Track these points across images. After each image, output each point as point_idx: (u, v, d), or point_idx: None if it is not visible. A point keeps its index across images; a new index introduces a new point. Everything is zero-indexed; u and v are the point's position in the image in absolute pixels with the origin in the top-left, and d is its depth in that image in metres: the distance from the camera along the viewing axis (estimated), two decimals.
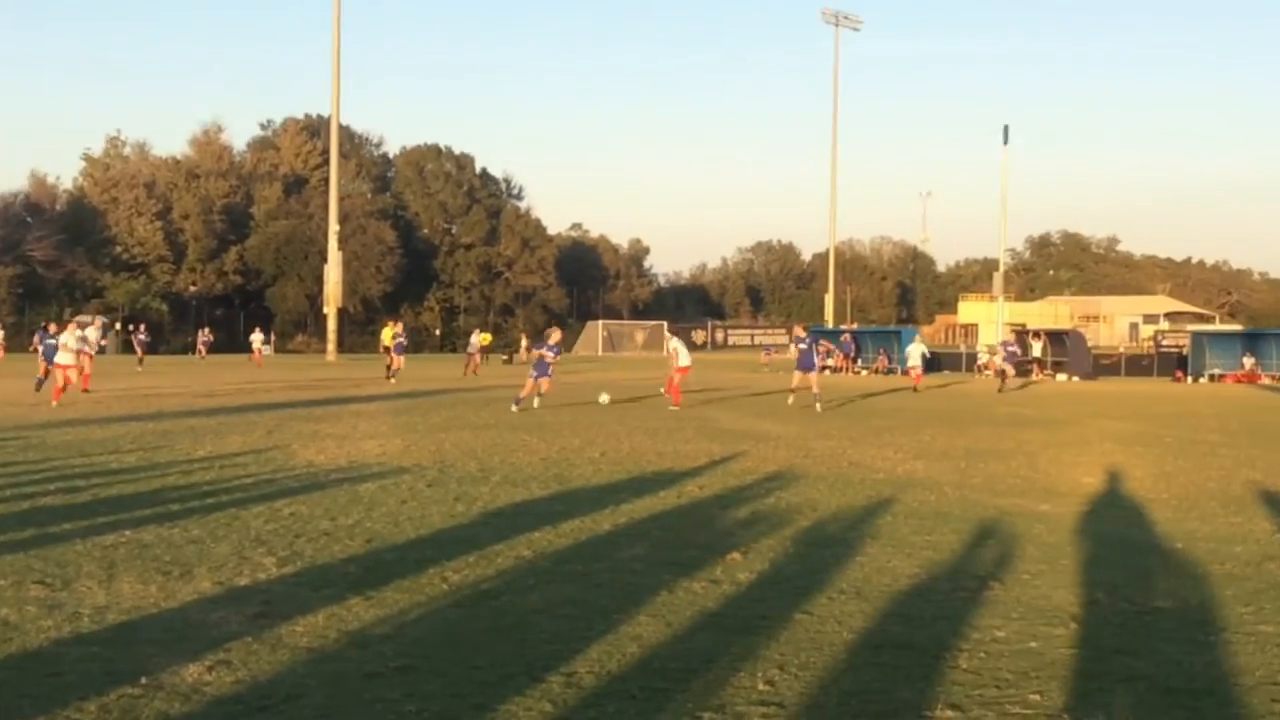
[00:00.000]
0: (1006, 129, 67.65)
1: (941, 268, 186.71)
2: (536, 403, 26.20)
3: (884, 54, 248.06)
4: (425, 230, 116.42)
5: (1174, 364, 53.56)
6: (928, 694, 6.04)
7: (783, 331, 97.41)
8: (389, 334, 43.63)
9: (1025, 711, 5.80)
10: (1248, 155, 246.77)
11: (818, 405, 26.56)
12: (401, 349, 42.54)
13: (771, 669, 6.46)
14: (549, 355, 27.33)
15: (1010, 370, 38.71)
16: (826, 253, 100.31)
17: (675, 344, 28.82)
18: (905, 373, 42.46)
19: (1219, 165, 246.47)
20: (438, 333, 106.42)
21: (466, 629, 7.21)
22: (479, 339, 52.07)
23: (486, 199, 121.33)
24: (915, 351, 39.37)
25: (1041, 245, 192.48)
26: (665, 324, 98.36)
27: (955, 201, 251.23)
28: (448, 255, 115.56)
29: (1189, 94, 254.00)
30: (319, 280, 76.33)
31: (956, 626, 7.38)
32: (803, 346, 28.16)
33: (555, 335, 28.82)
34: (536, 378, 26.53)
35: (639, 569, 9.10)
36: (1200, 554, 9.85)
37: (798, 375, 28.21)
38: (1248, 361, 50.49)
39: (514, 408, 25.49)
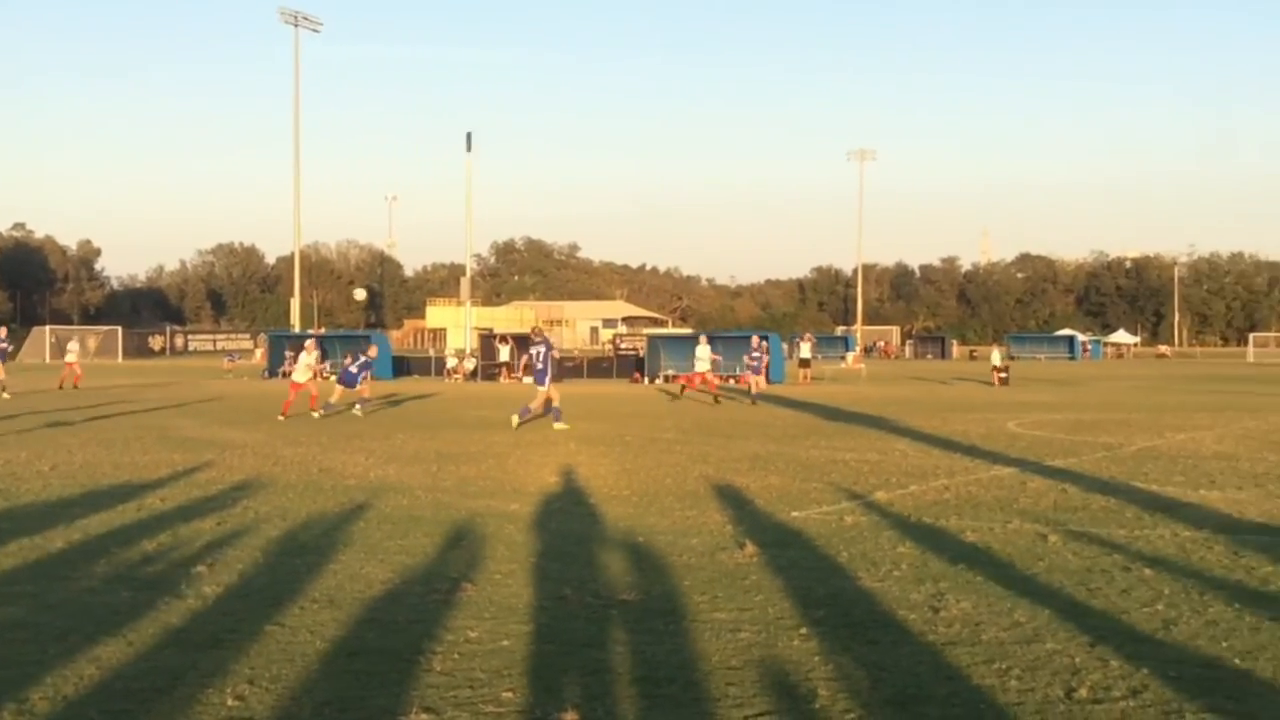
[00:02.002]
0: (469, 136, 68.41)
1: (409, 272, 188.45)
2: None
3: (347, 57, 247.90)
4: None
5: (632, 366, 56.09)
6: (403, 699, 6.01)
7: (247, 336, 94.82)
8: None
9: (498, 710, 5.87)
10: (699, 168, 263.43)
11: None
12: (3, 355, 37.35)
13: (241, 684, 6.24)
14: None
15: (761, 381, 35.88)
16: (291, 256, 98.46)
17: (302, 355, 27.77)
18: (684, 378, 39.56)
19: (673, 177, 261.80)
20: None
21: None
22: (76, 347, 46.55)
23: None
24: (705, 353, 35.77)
25: (506, 251, 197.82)
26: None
27: (422, 206, 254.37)
28: None
29: (644, 106, 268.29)
30: None
31: (431, 629, 7.39)
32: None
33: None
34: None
35: (97, 587, 8.59)
36: (660, 547, 10.34)
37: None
38: None
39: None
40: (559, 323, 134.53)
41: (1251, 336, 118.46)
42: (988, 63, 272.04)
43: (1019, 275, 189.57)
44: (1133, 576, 8.96)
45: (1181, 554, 9.92)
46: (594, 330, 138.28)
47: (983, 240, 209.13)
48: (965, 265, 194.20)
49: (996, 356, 52.28)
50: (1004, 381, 46.21)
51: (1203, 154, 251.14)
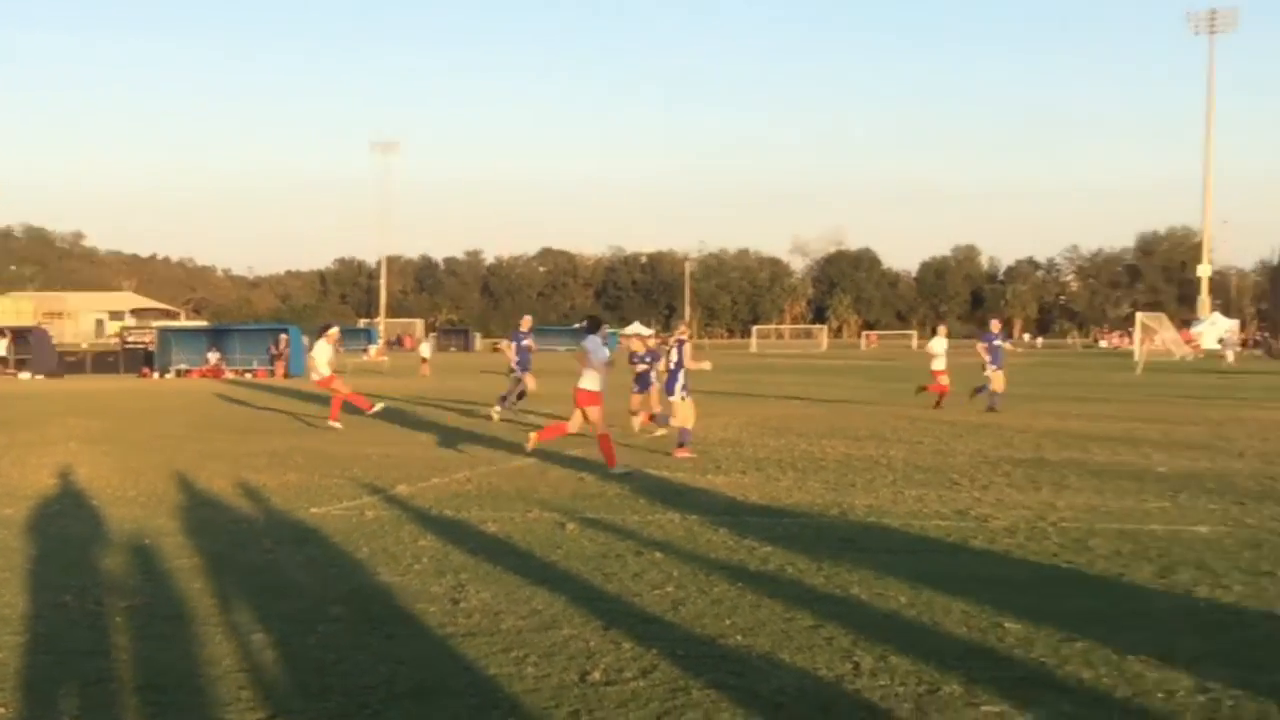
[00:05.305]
0: None
1: None
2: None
3: None
4: None
5: (141, 360, 53.73)
6: None
7: None
8: None
9: None
10: (216, 155, 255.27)
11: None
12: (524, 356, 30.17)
13: None
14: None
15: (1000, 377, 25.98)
16: None
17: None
18: None
19: (188, 165, 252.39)
20: None
21: None
22: None
23: None
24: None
25: (4, 239, 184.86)
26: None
27: None
28: None
29: (159, 89, 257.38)
30: None
31: None
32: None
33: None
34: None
35: None
36: (169, 549, 9.88)
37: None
38: (213, 356, 52.06)
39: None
40: (60, 315, 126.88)
41: (755, 329, 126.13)
42: (513, 57, 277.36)
43: (540, 269, 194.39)
44: (645, 560, 9.30)
45: (690, 537, 10.38)
46: (99, 323, 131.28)
47: (506, 234, 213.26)
48: (489, 258, 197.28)
49: (425, 349, 54.87)
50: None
51: (709, 153, 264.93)
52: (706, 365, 17.75)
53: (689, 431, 17.29)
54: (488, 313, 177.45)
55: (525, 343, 24.56)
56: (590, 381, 15.62)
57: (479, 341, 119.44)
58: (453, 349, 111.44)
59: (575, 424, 15.85)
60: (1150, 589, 8.26)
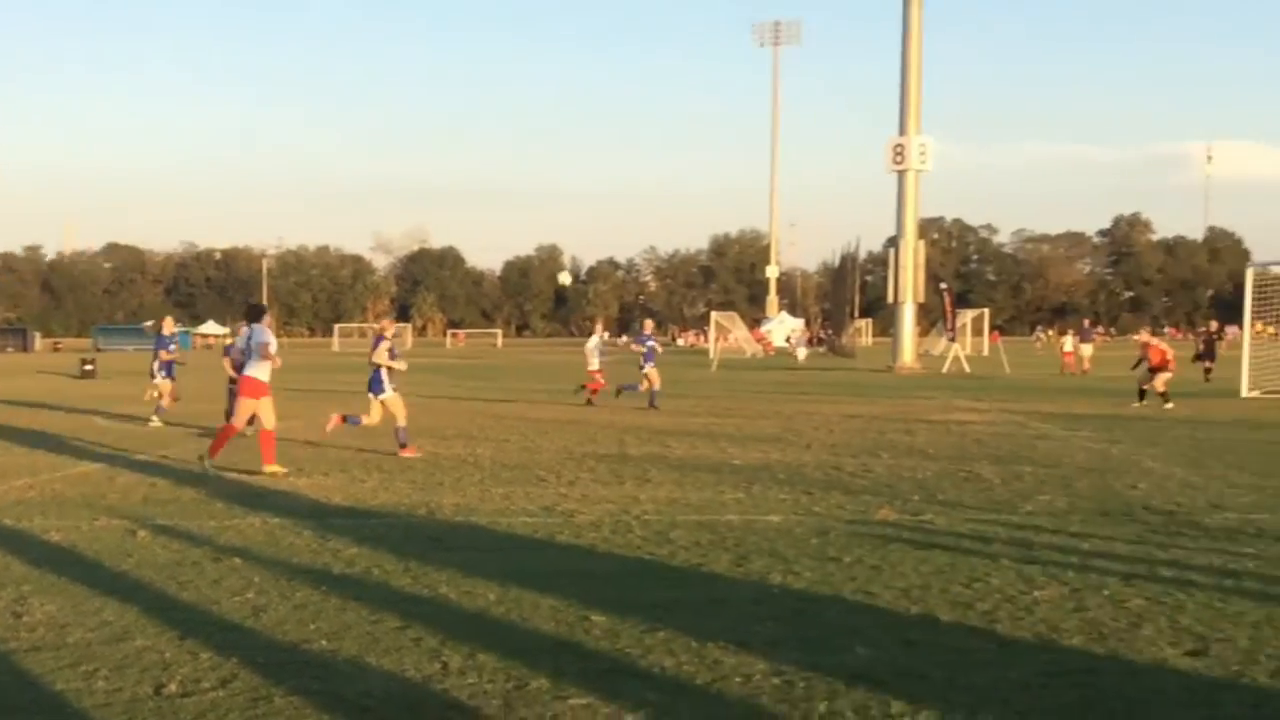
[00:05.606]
0: None
1: None
2: None
3: None
4: None
5: None
6: None
7: None
8: None
9: None
10: None
11: None
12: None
13: None
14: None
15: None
16: None
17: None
18: None
19: None
20: None
21: None
22: None
23: None
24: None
25: None
26: None
27: None
28: None
29: None
30: None
31: None
32: None
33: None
34: None
35: None
36: None
37: None
38: None
39: None
40: None
41: (337, 327, 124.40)
42: (73, 43, 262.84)
43: (107, 265, 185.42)
44: (223, 566, 8.96)
45: (271, 541, 10.09)
46: None
47: (66, 229, 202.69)
48: (50, 254, 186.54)
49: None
50: None
51: (287, 148, 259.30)
52: (402, 365, 17.20)
53: (405, 430, 16.87)
54: (49, 311, 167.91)
55: (171, 347, 24.22)
56: (260, 371, 15.00)
57: (39, 341, 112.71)
58: (10, 349, 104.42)
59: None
60: (728, 577, 8.59)
